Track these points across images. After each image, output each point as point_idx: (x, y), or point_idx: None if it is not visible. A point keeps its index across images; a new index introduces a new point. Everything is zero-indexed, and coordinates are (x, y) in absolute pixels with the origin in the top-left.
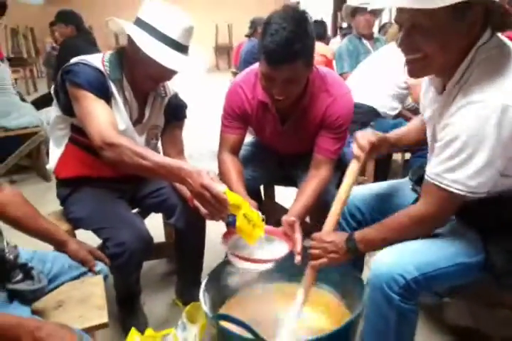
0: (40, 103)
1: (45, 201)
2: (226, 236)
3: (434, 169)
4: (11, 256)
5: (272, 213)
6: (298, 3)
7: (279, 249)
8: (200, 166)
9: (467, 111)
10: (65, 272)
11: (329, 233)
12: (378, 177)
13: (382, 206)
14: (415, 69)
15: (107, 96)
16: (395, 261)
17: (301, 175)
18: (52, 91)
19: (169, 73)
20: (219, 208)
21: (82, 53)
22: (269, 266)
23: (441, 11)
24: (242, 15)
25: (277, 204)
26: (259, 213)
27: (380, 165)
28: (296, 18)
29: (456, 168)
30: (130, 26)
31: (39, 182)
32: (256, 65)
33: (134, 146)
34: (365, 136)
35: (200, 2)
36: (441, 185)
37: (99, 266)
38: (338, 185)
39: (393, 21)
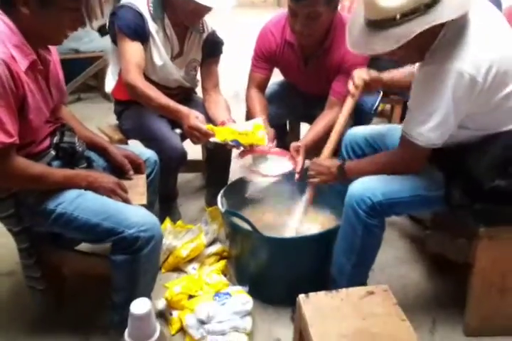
0: (104, 31)
1: (105, 118)
2: (241, 154)
3: (405, 123)
4: (80, 149)
5: None
6: None
7: (284, 166)
8: None
9: (429, 76)
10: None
11: (326, 159)
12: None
13: (378, 145)
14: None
15: (143, 38)
16: (367, 186)
17: None
18: (107, 25)
19: (204, 9)
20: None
21: None
22: (274, 179)
23: None
24: None
25: None
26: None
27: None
28: None
29: (420, 123)
30: None
31: (102, 101)
32: None
33: (146, 89)
34: (361, 75)
35: None
36: (409, 138)
37: (149, 153)
38: None
39: None
